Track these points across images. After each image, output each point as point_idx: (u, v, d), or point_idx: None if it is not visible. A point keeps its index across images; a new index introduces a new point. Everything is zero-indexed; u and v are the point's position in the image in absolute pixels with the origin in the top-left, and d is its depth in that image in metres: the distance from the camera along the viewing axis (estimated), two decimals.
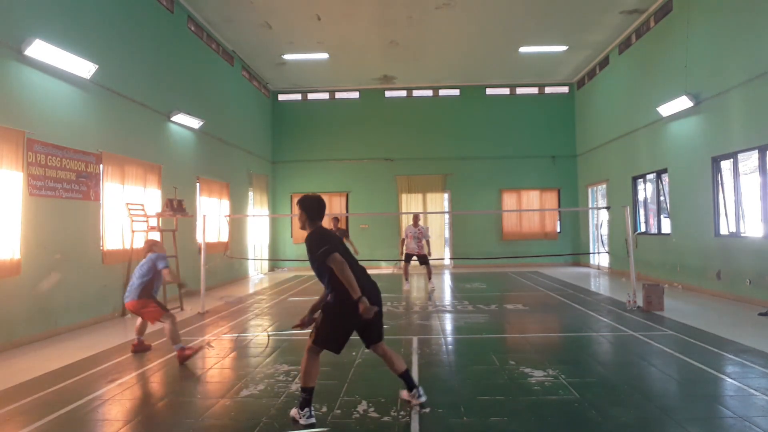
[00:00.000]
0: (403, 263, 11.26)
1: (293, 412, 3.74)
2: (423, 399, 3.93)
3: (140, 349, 5.90)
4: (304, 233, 3.81)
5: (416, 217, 11.26)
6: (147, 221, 8.52)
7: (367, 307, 3.49)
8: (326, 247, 3.56)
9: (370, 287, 3.72)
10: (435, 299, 9.72)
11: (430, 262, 11.14)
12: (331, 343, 3.71)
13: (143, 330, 5.97)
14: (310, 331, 3.81)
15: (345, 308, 3.62)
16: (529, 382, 4.49)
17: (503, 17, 11.94)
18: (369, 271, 3.91)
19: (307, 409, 3.64)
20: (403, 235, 11.32)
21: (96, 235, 7.82)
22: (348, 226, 16.48)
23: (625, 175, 13.29)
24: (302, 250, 16.62)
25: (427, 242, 11.11)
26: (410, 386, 3.94)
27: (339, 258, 3.53)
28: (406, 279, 11.23)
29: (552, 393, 4.20)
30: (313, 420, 3.63)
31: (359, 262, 3.84)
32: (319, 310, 3.85)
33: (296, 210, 3.89)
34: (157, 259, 5.72)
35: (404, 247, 11.13)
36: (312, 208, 3.86)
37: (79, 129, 7.50)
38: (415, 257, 10.96)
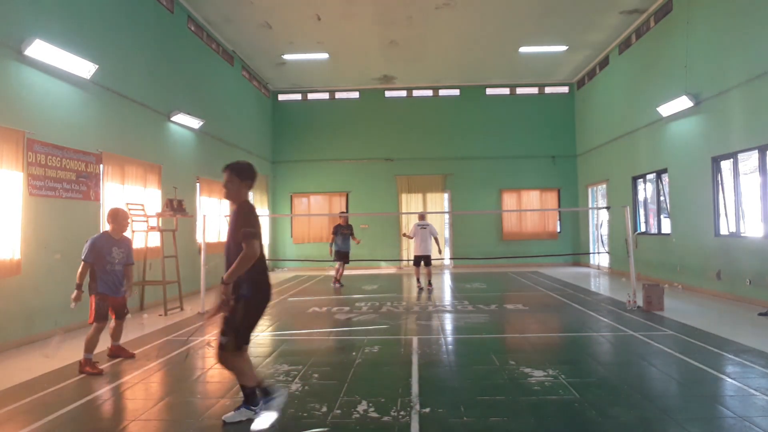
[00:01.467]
0: (414, 267, 11.22)
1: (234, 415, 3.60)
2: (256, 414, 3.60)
3: (114, 353, 5.51)
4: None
5: (423, 214, 11.33)
6: (147, 221, 8.52)
7: (228, 297, 3.39)
8: (252, 231, 3.45)
9: (268, 286, 3.68)
10: (434, 299, 9.71)
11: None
12: (248, 338, 3.61)
13: (116, 334, 5.52)
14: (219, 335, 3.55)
15: (262, 300, 3.61)
16: (529, 382, 4.49)
17: (503, 17, 11.93)
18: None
19: (254, 406, 3.60)
20: (411, 234, 11.17)
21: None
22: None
23: (625, 175, 13.29)
24: (303, 251, 16.87)
25: (436, 240, 11.17)
26: (251, 400, 3.66)
27: (255, 248, 3.42)
28: (419, 281, 11.20)
29: (552, 393, 4.21)
30: (260, 413, 3.57)
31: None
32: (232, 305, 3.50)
33: (226, 176, 3.64)
34: (86, 246, 5.14)
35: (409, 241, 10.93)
36: (246, 171, 3.69)
37: (79, 129, 7.50)
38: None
